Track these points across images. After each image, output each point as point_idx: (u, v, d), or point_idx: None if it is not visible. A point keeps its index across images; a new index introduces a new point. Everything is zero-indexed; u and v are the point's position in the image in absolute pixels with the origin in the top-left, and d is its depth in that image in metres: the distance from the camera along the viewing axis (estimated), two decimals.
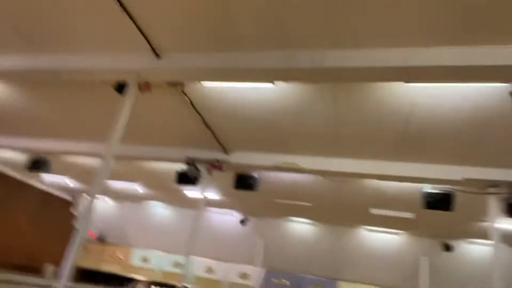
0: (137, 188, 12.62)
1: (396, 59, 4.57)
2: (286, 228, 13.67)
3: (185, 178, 8.46)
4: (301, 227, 13.45)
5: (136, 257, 15.50)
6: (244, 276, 14.30)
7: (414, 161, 7.48)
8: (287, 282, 13.83)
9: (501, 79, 4.71)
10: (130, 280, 15.50)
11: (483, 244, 11.37)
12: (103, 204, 15.40)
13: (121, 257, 15.63)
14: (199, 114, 6.86)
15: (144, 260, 15.37)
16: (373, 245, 12.86)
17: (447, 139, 6.47)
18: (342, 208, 11.01)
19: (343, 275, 13.49)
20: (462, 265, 12.04)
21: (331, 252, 13.44)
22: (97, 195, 4.93)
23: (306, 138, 7.37)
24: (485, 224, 9.48)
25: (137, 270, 15.30)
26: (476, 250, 11.79)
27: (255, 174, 8.56)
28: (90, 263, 15.48)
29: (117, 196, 14.60)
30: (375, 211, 10.39)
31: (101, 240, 15.85)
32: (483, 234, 10.09)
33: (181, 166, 8.62)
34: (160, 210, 14.84)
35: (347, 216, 11.83)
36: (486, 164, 7.10)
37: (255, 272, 13.91)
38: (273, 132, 7.29)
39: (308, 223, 13.25)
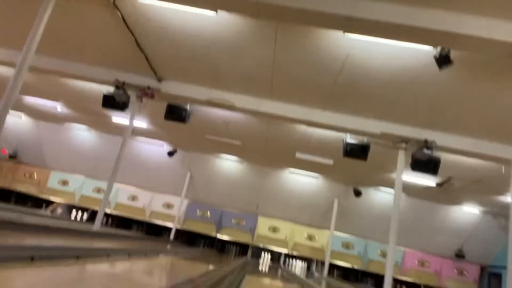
0: (58, 107, 11.72)
1: (342, 7, 4.61)
2: (214, 164, 13.93)
3: (112, 103, 8.02)
4: (228, 164, 13.79)
5: (54, 180, 14.88)
6: (168, 205, 14.58)
7: (340, 111, 7.89)
8: (209, 214, 14.43)
9: (430, 42, 5.00)
10: (49, 203, 15.00)
11: (387, 192, 12.74)
12: (18, 121, 14.17)
13: (36, 178, 14.89)
14: (132, 33, 6.38)
15: (63, 184, 14.83)
16: (293, 186, 13.74)
17: (372, 94, 6.87)
18: (269, 149, 11.42)
19: (263, 211, 14.40)
20: (367, 208, 13.49)
21: (254, 190, 14.12)
22: (10, 110, 4.51)
23: (242, 77, 7.31)
24: (392, 175, 10.54)
25: (55, 192, 14.77)
26: (380, 197, 13.20)
27: (187, 107, 8.40)
28: (1, 181, 14.58)
29: (35, 114, 13.48)
30: (300, 155, 10.95)
31: (14, 158, 14.84)
32: (389, 183, 11.28)
33: (109, 89, 8.14)
34: (83, 134, 14.08)
35: (274, 157, 12.34)
36: (402, 121, 7.75)
37: (179, 203, 14.24)
38: (209, 65, 7.10)
39: (235, 161, 13.62)
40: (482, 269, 13.95)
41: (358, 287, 10.38)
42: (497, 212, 12.60)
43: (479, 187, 10.41)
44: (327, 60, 6.07)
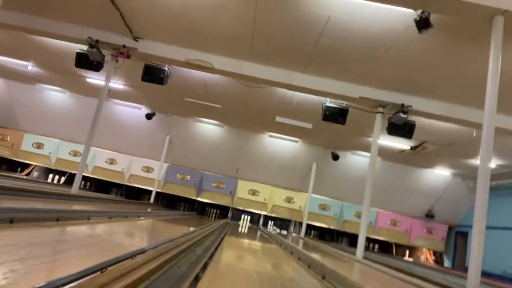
0: (29, 67, 11.19)
1: None
2: (193, 127, 13.83)
3: (86, 62, 7.73)
4: (208, 128, 13.72)
5: (28, 143, 14.49)
6: (147, 169, 14.54)
7: (320, 75, 7.88)
8: (189, 177, 14.51)
9: (411, 4, 4.97)
10: (24, 166, 14.68)
11: (363, 156, 13.09)
12: None
13: (9, 140, 14.45)
14: None
15: (37, 146, 14.47)
16: (273, 150, 13.89)
17: (352, 58, 6.86)
18: (249, 113, 11.39)
19: (243, 174, 14.59)
20: (344, 172, 13.87)
21: (234, 154, 14.21)
22: None
23: (221, 38, 7.12)
24: (368, 139, 10.79)
25: (29, 155, 14.43)
26: (357, 160, 13.56)
27: (165, 68, 8.17)
28: None
29: (4, 73, 12.84)
30: (279, 119, 10.98)
31: None
32: (365, 147, 11.56)
33: (83, 48, 7.81)
34: (57, 95, 13.58)
35: (254, 121, 12.34)
36: (380, 86, 7.84)
37: (159, 167, 14.22)
38: (188, 24, 6.86)
39: (215, 125, 13.55)
40: (450, 228, 14.80)
41: (333, 246, 10.86)
42: (467, 174, 13.21)
43: (451, 151, 10.81)
44: (308, 21, 5.97)
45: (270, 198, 14.56)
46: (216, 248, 4.38)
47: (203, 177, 14.59)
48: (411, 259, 14.64)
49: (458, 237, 14.60)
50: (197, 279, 2.46)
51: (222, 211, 15.13)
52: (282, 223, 15.26)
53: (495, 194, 10.71)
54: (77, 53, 7.85)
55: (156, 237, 4.84)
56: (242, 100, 10.30)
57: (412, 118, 7.93)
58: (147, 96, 12.00)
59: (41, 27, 7.71)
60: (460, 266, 13.87)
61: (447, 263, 14.82)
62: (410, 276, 5.14)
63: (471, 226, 4.51)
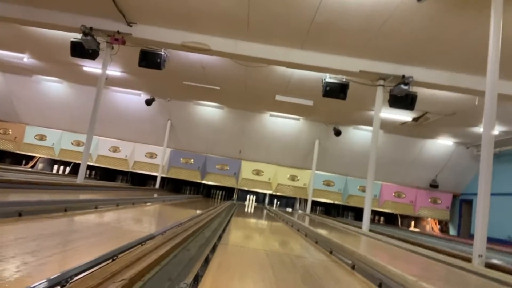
0: (24, 58, 11.10)
1: None
2: (194, 111, 13.79)
3: (82, 50, 7.64)
4: (208, 111, 13.68)
5: (30, 135, 14.54)
6: (150, 155, 14.60)
7: (318, 50, 7.77)
8: (193, 161, 14.58)
9: None
10: (28, 158, 14.76)
11: (365, 130, 13.06)
12: None
13: (11, 133, 14.49)
14: None
15: (40, 138, 14.52)
16: (275, 129, 13.87)
17: (350, 31, 6.73)
18: (249, 93, 11.32)
19: (246, 155, 14.63)
20: (347, 147, 13.88)
21: (236, 135, 14.22)
22: None
23: (217, 17, 6.99)
24: (370, 112, 10.73)
25: (33, 148, 14.50)
26: (359, 135, 13.54)
27: (162, 52, 8.08)
28: None
29: (0, 67, 12.76)
30: (280, 97, 10.92)
31: None
32: (367, 121, 11.51)
33: (77, 37, 7.70)
34: (55, 86, 13.51)
35: (254, 101, 12.27)
36: (379, 58, 7.73)
37: (162, 152, 14.27)
38: (182, 6, 6.73)
39: (215, 107, 13.50)
40: (455, 197, 14.90)
41: (339, 221, 10.98)
42: (470, 142, 13.20)
43: (453, 120, 10.75)
44: None
45: (274, 177, 14.65)
46: (223, 230, 4.44)
47: (207, 160, 14.65)
48: (417, 230, 14.81)
49: (463, 205, 14.71)
50: (207, 261, 2.50)
51: (228, 192, 15.27)
52: (288, 201, 15.41)
53: (498, 160, 10.73)
54: (72, 42, 7.76)
55: (164, 222, 4.90)
56: (241, 81, 10.21)
57: (414, 89, 7.86)
58: (145, 82, 11.93)
59: (33, 17, 7.59)
60: (466, 233, 14.04)
61: (452, 231, 14.99)
62: (416, 246, 5.20)
63: (475, 194, 4.53)
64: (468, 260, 4.34)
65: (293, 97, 10.79)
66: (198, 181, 14.61)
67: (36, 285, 1.33)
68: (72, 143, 14.44)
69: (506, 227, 11.46)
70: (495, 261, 4.62)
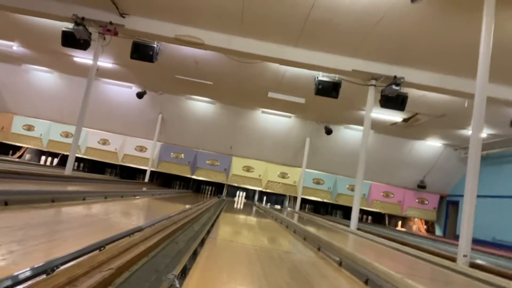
0: (14, 47, 10.90)
1: None
2: (186, 105, 13.71)
3: (73, 40, 7.53)
4: (200, 105, 13.61)
5: (18, 125, 14.31)
6: (140, 148, 14.49)
7: (312, 48, 7.78)
8: (183, 156, 14.52)
9: None
10: (16, 148, 14.54)
11: (356, 129, 13.14)
12: None
13: None
14: None
15: (28, 129, 14.30)
16: (266, 126, 13.88)
17: (344, 30, 6.76)
18: (242, 89, 11.29)
19: (236, 151, 14.62)
20: (337, 146, 13.95)
21: (227, 131, 14.18)
22: None
23: (211, 11, 6.95)
24: (361, 112, 10.80)
25: (20, 138, 14.29)
26: (350, 134, 13.62)
27: (154, 45, 8.01)
28: None
29: None
30: (272, 94, 10.92)
31: None
32: (358, 121, 11.59)
33: (68, 26, 7.59)
34: (44, 76, 13.30)
35: (246, 98, 12.25)
36: (372, 58, 7.77)
37: (152, 146, 14.18)
38: None
39: (207, 102, 13.44)
40: (442, 198, 15.11)
41: (328, 219, 11.05)
42: (458, 145, 13.38)
43: (442, 122, 10.89)
44: None
45: (265, 174, 14.67)
46: (212, 225, 4.43)
47: (197, 155, 14.60)
48: (403, 229, 14.99)
49: (449, 206, 14.93)
50: (195, 254, 2.49)
51: (217, 188, 15.25)
52: (277, 198, 15.45)
53: (485, 163, 10.88)
54: (63, 31, 7.64)
55: (153, 215, 4.88)
56: (234, 77, 10.18)
57: (405, 90, 7.93)
58: (137, 75, 11.82)
59: (24, 5, 7.45)
60: (451, 234, 14.25)
61: (438, 231, 15.21)
62: (402, 245, 5.27)
63: (462, 195, 4.60)
64: (453, 259, 4.41)
65: (285, 95, 10.80)
66: (188, 176, 14.56)
67: (21, 273, 1.32)
68: (60, 134, 14.26)
69: (491, 229, 11.66)
70: (479, 262, 4.71)
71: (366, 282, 2.52)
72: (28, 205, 3.30)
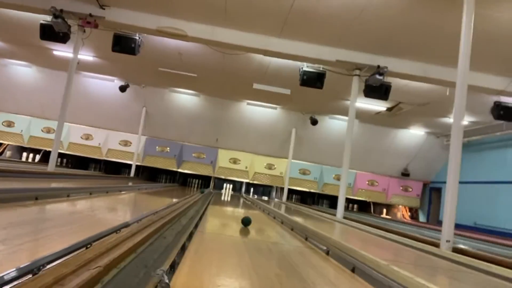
0: None
1: None
2: (170, 98, 13.55)
3: (52, 33, 7.33)
4: (184, 98, 13.48)
5: None
6: (125, 143, 14.31)
7: (296, 39, 7.77)
8: (169, 149, 14.40)
9: None
10: None
11: (341, 119, 13.25)
12: None
13: None
14: None
15: (8, 125, 13.94)
16: (252, 118, 13.85)
17: (327, 20, 6.76)
18: (226, 81, 11.22)
19: (222, 144, 14.57)
20: (323, 136, 14.05)
21: (212, 123, 14.10)
22: None
23: (194, 2, 6.85)
24: (346, 102, 10.88)
25: (0, 135, 13.91)
26: (335, 124, 13.73)
27: (136, 37, 7.86)
28: None
29: None
30: (257, 86, 10.89)
31: None
32: (343, 111, 11.67)
33: (47, 19, 7.38)
34: (23, 70, 12.94)
35: (231, 89, 12.19)
36: (356, 48, 7.82)
37: (137, 140, 14.01)
38: None
39: (192, 94, 13.32)
40: (425, 185, 15.43)
41: (315, 208, 11.17)
42: (440, 132, 13.64)
43: (425, 110, 11.07)
44: None
45: (251, 165, 14.69)
46: (200, 218, 4.43)
47: (183, 148, 14.51)
48: (388, 217, 15.29)
49: (432, 193, 15.27)
50: (183, 248, 2.49)
51: (204, 181, 15.21)
52: (264, 189, 15.52)
53: (466, 150, 11.17)
54: (41, 24, 7.43)
55: (139, 210, 4.84)
56: (218, 68, 10.10)
57: (388, 79, 8.02)
58: (119, 68, 11.61)
59: None
60: (434, 220, 14.60)
61: (422, 218, 15.56)
62: (388, 232, 5.38)
63: (444, 182, 4.71)
64: (437, 245, 4.52)
65: (270, 86, 10.79)
66: (174, 169, 14.47)
67: (6, 274, 1.29)
68: (42, 130, 13.94)
69: (472, 214, 11.99)
70: (461, 246, 4.84)
71: (353, 270, 2.57)
72: (11, 203, 3.23)
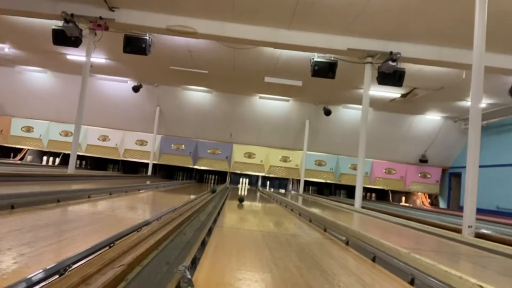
0: (5, 49, 10.80)
1: None
2: (183, 96, 13.65)
3: (64, 38, 7.46)
4: (197, 95, 13.55)
5: (16, 127, 14.29)
6: (141, 142, 14.50)
7: (305, 30, 7.70)
8: (184, 146, 14.54)
9: None
10: (17, 150, 14.55)
11: (354, 108, 13.12)
12: None
13: None
14: None
15: (27, 130, 14.29)
16: (265, 112, 13.84)
17: (336, 8, 6.67)
18: (238, 76, 11.22)
19: (237, 139, 14.62)
20: (337, 126, 13.94)
21: (226, 119, 14.16)
22: None
23: None
24: (359, 91, 10.75)
25: (20, 140, 14.29)
26: (349, 113, 13.60)
27: (147, 37, 7.93)
28: None
29: None
30: (268, 79, 10.86)
31: None
32: (356, 100, 11.54)
33: (58, 24, 7.50)
34: (39, 76, 13.21)
35: (243, 84, 12.18)
36: (367, 35, 7.69)
37: (152, 139, 14.18)
38: None
39: (204, 91, 13.38)
40: (444, 170, 15.17)
41: (332, 199, 11.13)
42: (458, 116, 13.36)
43: (441, 95, 10.84)
44: None
45: (267, 159, 14.71)
46: (218, 213, 4.47)
47: (198, 145, 14.62)
48: (407, 204, 15.10)
49: (452, 178, 15.00)
50: (204, 244, 2.52)
51: (221, 176, 15.32)
52: (281, 182, 15.53)
53: (485, 133, 10.93)
54: (53, 29, 7.56)
55: (159, 208, 4.91)
56: (229, 64, 10.11)
57: (401, 65, 7.87)
58: (131, 68, 11.74)
59: (11, 5, 7.35)
60: (455, 206, 14.36)
61: (442, 204, 15.32)
62: (407, 220, 5.32)
63: (464, 167, 4.62)
64: (458, 231, 4.45)
65: (282, 78, 10.74)
66: (190, 166, 14.61)
67: (34, 275, 1.34)
68: (60, 134, 14.26)
69: (494, 198, 11.75)
70: (484, 231, 4.76)
71: (373, 260, 2.55)
72: (34, 207, 3.32)
